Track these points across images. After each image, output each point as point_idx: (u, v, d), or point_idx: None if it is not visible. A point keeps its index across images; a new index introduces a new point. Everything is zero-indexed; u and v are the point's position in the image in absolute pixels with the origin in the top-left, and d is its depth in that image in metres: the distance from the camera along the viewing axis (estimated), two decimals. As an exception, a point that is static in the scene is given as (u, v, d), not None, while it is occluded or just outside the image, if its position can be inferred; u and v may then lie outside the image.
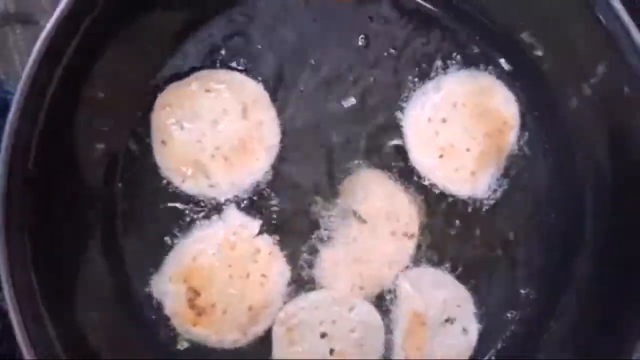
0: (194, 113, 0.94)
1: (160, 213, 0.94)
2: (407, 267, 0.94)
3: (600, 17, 0.81)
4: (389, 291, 0.94)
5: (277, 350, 0.92)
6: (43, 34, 0.76)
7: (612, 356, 0.82)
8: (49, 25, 0.76)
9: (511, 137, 0.97)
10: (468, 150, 0.96)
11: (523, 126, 0.98)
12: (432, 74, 0.98)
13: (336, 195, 0.95)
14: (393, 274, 0.94)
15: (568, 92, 0.93)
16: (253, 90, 0.96)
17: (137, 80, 0.94)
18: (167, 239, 0.93)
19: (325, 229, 0.94)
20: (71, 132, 0.84)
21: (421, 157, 0.96)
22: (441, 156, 0.96)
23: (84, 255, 0.88)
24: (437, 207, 0.96)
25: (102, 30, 0.84)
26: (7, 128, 0.74)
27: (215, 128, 0.94)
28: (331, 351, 0.91)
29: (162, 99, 0.94)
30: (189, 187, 0.94)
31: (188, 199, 0.94)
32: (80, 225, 0.89)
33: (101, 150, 0.91)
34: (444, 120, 0.96)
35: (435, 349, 0.93)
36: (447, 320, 0.93)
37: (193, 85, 0.95)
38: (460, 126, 0.96)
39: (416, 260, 0.94)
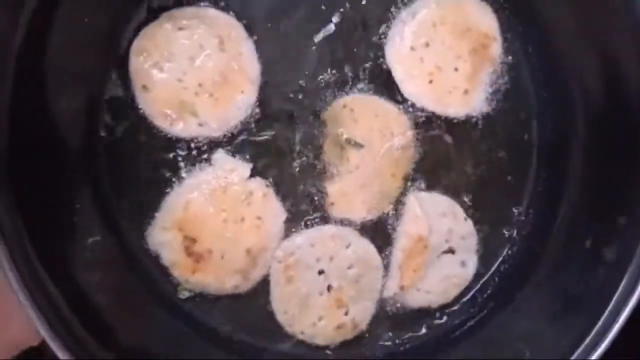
0: (170, 53, 0.91)
1: (148, 164, 0.92)
2: (418, 187, 0.94)
3: None
4: (395, 210, 0.94)
5: (275, 288, 0.92)
6: None
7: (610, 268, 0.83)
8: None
9: (496, 49, 0.96)
10: (456, 69, 0.94)
11: (505, 35, 0.96)
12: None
13: (324, 125, 0.93)
14: (398, 186, 0.93)
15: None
16: (227, 22, 0.93)
17: (107, 25, 0.90)
18: (157, 189, 0.91)
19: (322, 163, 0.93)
20: (43, 82, 0.81)
21: (411, 86, 0.94)
22: (431, 81, 0.94)
23: (76, 216, 0.86)
24: (429, 127, 0.95)
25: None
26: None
27: (194, 65, 0.91)
28: (329, 288, 0.92)
29: (137, 43, 0.91)
30: (178, 129, 0.91)
31: (175, 145, 0.92)
32: (68, 184, 0.86)
33: (80, 101, 0.88)
34: (426, 45, 0.94)
35: (430, 275, 0.93)
36: (448, 251, 0.94)
37: (165, 25, 0.92)
38: (444, 47, 0.94)
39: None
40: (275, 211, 0.92)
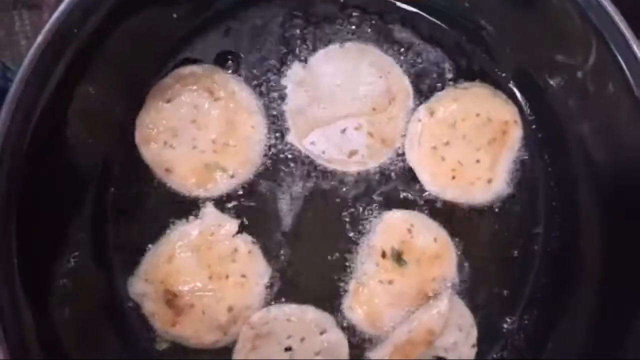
0: (172, 128, 0.92)
1: (146, 212, 0.92)
2: (453, 286, 0.92)
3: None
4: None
5: (239, 350, 0.90)
6: (50, 21, 0.73)
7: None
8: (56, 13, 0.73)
9: (517, 133, 0.95)
10: (478, 161, 0.94)
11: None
12: (422, 97, 0.96)
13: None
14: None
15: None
16: (205, 72, 0.93)
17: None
18: (147, 237, 0.91)
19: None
20: (66, 131, 0.81)
21: (435, 185, 0.94)
22: (454, 177, 0.93)
23: (67, 247, 0.86)
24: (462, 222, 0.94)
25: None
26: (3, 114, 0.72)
27: (198, 126, 0.92)
28: (289, 366, 0.90)
29: (138, 134, 0.92)
30: (212, 190, 0.92)
31: (172, 198, 0.92)
32: (69, 212, 0.86)
33: (94, 161, 0.90)
34: (447, 144, 0.94)
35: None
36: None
37: (151, 107, 0.92)
38: (464, 143, 0.94)
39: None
40: (260, 270, 0.91)
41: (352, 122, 0.94)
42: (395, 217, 0.92)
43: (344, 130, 0.94)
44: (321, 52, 0.96)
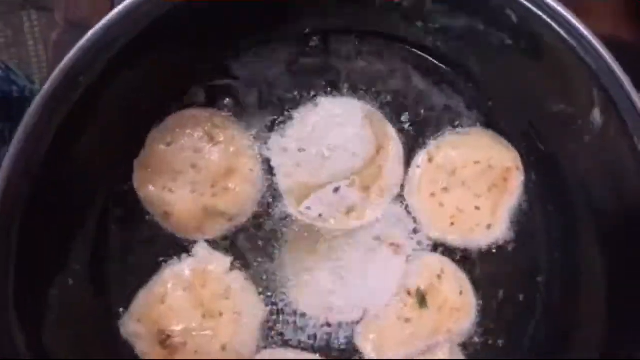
0: (172, 171, 0.90)
1: (148, 247, 0.91)
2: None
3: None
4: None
5: None
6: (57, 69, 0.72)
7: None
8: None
9: (518, 180, 0.93)
10: (477, 208, 0.91)
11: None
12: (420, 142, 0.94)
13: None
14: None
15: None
16: (205, 115, 0.92)
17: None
18: (141, 276, 0.90)
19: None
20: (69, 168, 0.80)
21: (434, 230, 0.92)
22: (452, 224, 0.91)
23: (64, 276, 0.84)
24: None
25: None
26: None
27: (199, 171, 0.90)
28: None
29: (136, 177, 0.90)
30: (210, 233, 0.91)
31: (169, 239, 0.91)
32: (65, 248, 0.85)
33: (98, 185, 0.88)
34: (445, 190, 0.92)
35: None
36: None
37: (151, 149, 0.90)
38: (464, 189, 0.92)
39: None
40: (254, 307, 0.90)
41: (343, 181, 0.92)
42: (432, 260, 0.91)
43: (337, 190, 0.92)
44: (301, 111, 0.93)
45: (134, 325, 0.88)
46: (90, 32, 0.73)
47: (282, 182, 0.92)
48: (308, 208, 0.91)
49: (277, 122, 0.93)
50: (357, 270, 0.91)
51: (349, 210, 0.92)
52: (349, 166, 0.92)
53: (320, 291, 0.90)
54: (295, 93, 0.93)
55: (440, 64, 0.95)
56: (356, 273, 0.91)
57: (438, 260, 0.91)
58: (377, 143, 0.92)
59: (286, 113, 0.93)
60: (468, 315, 0.91)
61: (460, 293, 0.91)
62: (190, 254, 0.90)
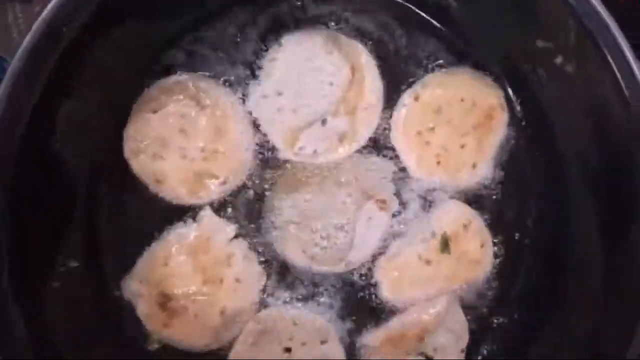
0: (160, 138, 0.91)
1: (141, 215, 0.92)
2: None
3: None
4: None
5: (240, 342, 0.91)
6: (40, 18, 0.74)
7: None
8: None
9: (502, 118, 0.95)
10: (463, 146, 0.94)
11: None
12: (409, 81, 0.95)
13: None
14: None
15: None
16: (191, 82, 0.92)
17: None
18: (142, 239, 0.91)
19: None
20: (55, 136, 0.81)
21: (420, 169, 0.94)
22: (439, 162, 0.94)
23: (60, 249, 0.86)
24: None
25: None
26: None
27: (187, 135, 0.91)
28: (285, 365, 0.90)
29: (127, 146, 0.91)
30: (204, 197, 0.92)
31: (164, 206, 0.92)
32: (60, 219, 0.86)
33: (86, 155, 0.89)
34: (431, 129, 0.94)
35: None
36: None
37: (138, 118, 0.91)
38: (449, 128, 0.94)
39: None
40: (255, 275, 0.92)
41: (328, 112, 0.93)
42: (460, 208, 0.94)
43: (324, 122, 0.93)
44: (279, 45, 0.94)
45: (136, 285, 0.90)
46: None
47: (270, 130, 0.93)
48: (302, 148, 0.93)
49: (254, 69, 0.94)
50: (343, 224, 0.93)
51: (342, 138, 0.93)
52: (329, 97, 0.93)
53: (306, 242, 0.92)
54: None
55: (421, 12, 0.97)
56: (342, 227, 0.93)
57: (469, 212, 0.94)
58: (350, 64, 0.93)
59: (257, 61, 0.94)
60: (485, 269, 0.94)
61: (482, 246, 0.93)
62: (195, 220, 0.92)
